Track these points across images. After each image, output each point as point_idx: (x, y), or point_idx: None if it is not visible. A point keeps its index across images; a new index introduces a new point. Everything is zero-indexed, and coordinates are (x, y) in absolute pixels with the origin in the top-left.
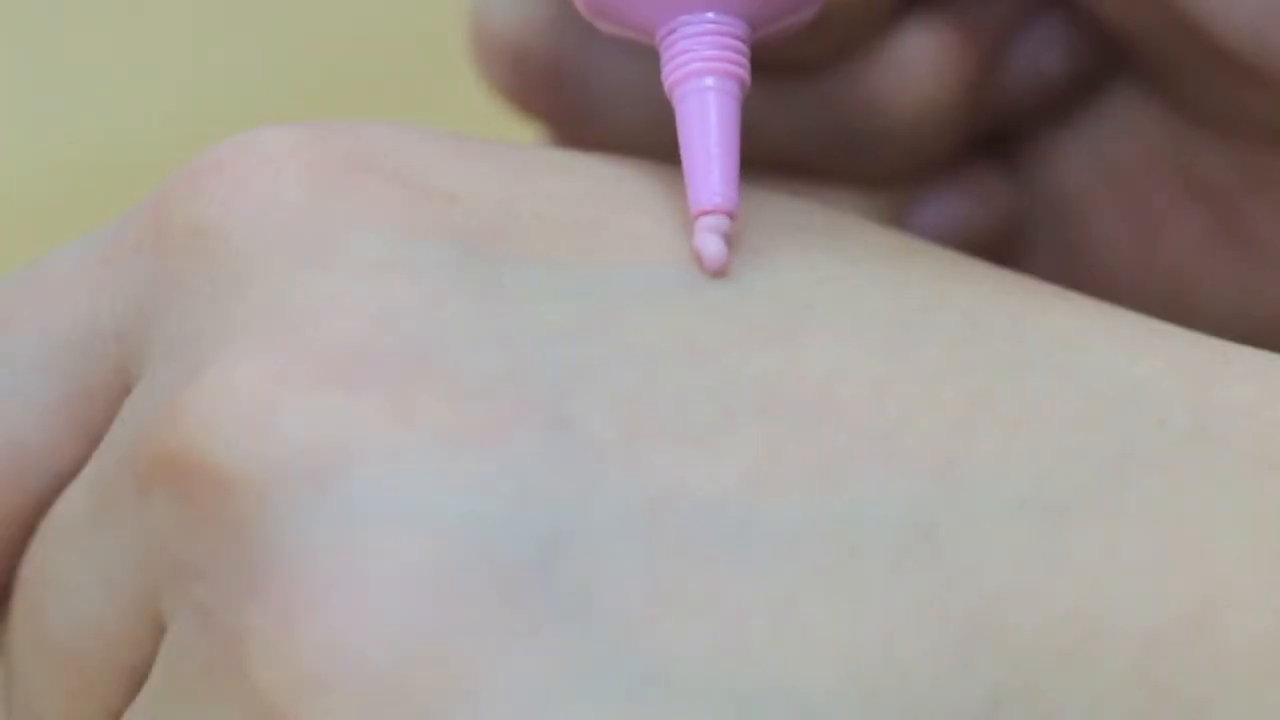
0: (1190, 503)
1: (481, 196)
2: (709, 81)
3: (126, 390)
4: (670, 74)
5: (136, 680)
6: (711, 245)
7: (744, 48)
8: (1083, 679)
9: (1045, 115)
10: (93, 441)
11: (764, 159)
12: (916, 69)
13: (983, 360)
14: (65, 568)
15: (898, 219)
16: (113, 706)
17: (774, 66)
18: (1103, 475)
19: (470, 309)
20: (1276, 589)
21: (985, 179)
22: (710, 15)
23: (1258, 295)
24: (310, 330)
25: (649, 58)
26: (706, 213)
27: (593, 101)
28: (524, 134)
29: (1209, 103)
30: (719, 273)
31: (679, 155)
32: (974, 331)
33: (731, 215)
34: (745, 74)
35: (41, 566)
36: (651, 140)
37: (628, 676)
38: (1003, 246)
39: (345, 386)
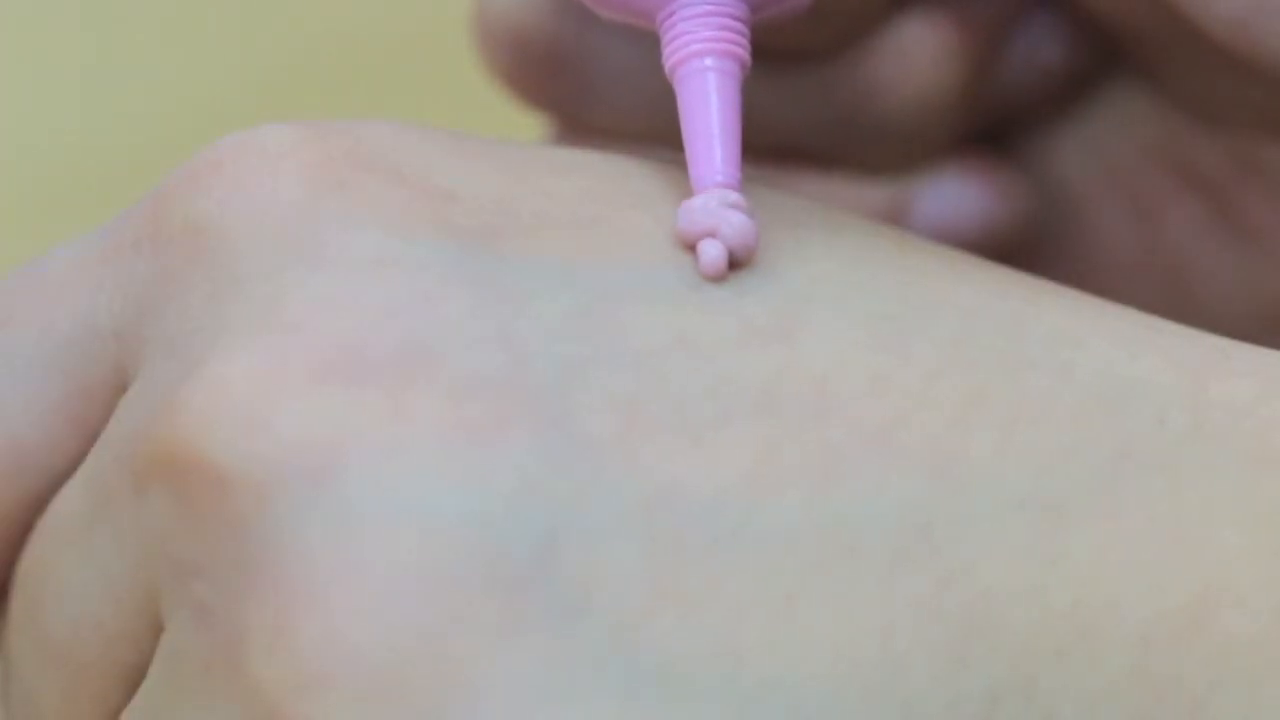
0: (1188, 500)
1: (481, 195)
2: (708, 62)
3: (124, 389)
4: (670, 56)
5: (134, 678)
6: (711, 251)
7: (744, 28)
8: (1081, 676)
9: (1043, 109)
10: (91, 440)
11: (766, 147)
12: (916, 59)
13: (980, 358)
14: (63, 566)
15: (899, 208)
16: (111, 705)
17: (776, 55)
18: (1101, 473)
19: (469, 307)
20: (1274, 586)
21: (997, 171)
22: None
23: (1256, 283)
24: (308, 328)
25: (650, 42)
26: (708, 190)
27: (594, 87)
28: (524, 132)
29: (1201, 93)
30: (717, 279)
31: (681, 139)
32: (972, 330)
33: (735, 191)
34: (745, 54)
35: (39, 565)
36: (654, 125)
37: (625, 674)
38: (1002, 241)
39: (343, 384)
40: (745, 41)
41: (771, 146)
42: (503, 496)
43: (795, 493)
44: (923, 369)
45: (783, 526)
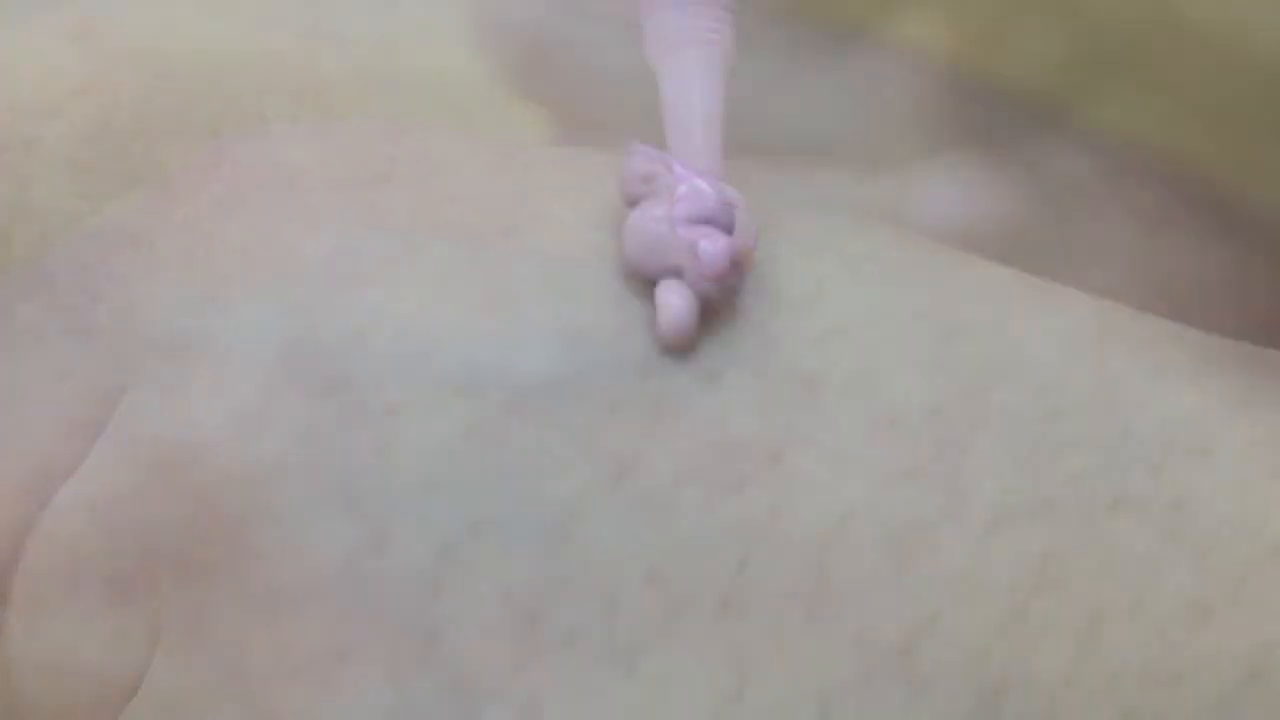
0: (1188, 501)
1: (483, 196)
2: (691, 50)
3: (125, 389)
4: (652, 45)
5: (134, 681)
6: (712, 251)
7: (727, 16)
8: (1082, 676)
9: (1043, 108)
10: (91, 440)
11: (763, 144)
12: (915, 55)
13: (977, 358)
14: (63, 567)
15: (898, 206)
16: (110, 708)
17: (772, 50)
18: (1100, 473)
19: (469, 307)
20: (1275, 587)
21: (997, 170)
22: None
23: (1254, 283)
24: (308, 329)
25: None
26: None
27: (591, 79)
28: (524, 132)
29: (1199, 93)
30: (718, 278)
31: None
32: (969, 329)
33: (716, 179)
34: (728, 42)
35: (39, 566)
36: (650, 118)
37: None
38: (1002, 240)
39: (343, 384)
40: (729, 31)
41: (768, 143)
42: (502, 497)
43: (795, 492)
44: (920, 368)
45: (783, 525)
